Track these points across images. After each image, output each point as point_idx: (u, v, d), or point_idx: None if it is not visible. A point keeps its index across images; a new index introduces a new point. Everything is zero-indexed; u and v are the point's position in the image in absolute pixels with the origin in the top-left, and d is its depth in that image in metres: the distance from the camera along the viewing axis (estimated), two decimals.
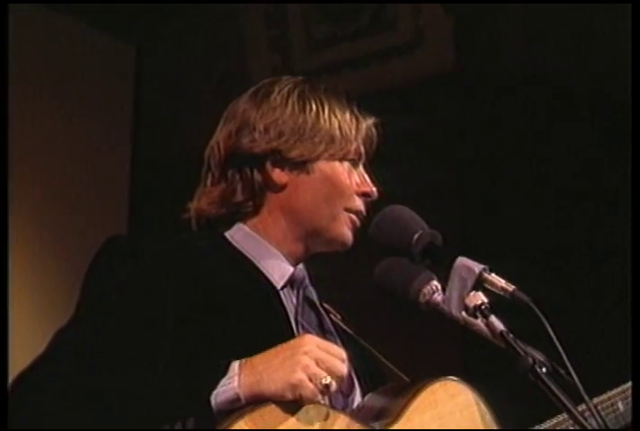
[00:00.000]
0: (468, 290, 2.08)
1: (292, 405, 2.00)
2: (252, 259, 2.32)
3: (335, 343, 2.28)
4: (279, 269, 2.33)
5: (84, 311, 2.16)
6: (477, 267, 2.08)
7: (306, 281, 2.37)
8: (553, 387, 1.95)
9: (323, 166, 2.32)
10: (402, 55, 5.06)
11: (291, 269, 2.33)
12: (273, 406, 1.98)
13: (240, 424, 1.94)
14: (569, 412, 1.95)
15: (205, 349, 2.10)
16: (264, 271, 2.31)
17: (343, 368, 2.02)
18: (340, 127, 2.32)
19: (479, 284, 2.08)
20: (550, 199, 4.57)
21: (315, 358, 1.99)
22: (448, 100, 4.84)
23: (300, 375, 1.97)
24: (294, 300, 2.33)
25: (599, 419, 1.95)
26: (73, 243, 5.01)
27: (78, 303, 2.18)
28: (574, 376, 1.97)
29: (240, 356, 2.04)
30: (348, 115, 2.36)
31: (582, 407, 1.98)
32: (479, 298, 2.08)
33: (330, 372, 1.99)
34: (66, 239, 5.10)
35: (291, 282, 2.33)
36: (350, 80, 5.01)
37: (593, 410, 1.97)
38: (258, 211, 2.34)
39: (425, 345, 4.41)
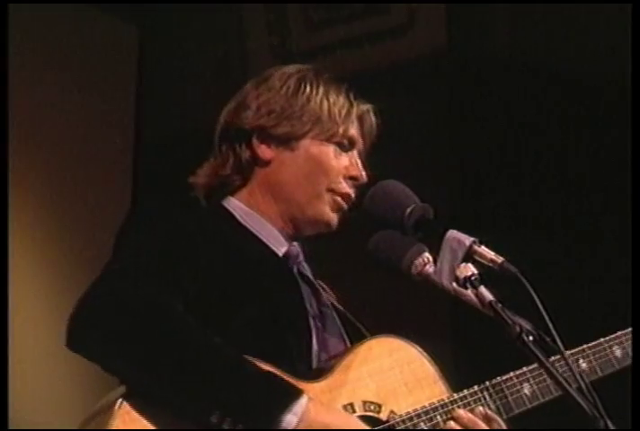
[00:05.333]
0: (459, 262, 2.12)
1: None
2: (255, 233, 2.39)
3: (331, 315, 2.39)
4: (277, 245, 2.41)
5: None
6: (468, 239, 2.13)
7: (301, 257, 2.45)
8: (539, 354, 2.02)
9: (308, 145, 2.39)
10: (395, 37, 5.09)
11: (286, 245, 2.42)
12: None
13: None
14: (553, 378, 2.03)
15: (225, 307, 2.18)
16: (267, 243, 2.39)
17: None
18: (329, 110, 2.39)
19: (469, 256, 2.12)
20: (538, 175, 4.63)
21: None
22: (440, 80, 4.89)
23: None
24: None
25: (582, 383, 2.01)
26: (75, 228, 4.91)
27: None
28: (560, 344, 2.04)
29: (255, 314, 2.16)
30: (341, 100, 2.42)
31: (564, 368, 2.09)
32: (469, 270, 2.13)
33: None
34: (69, 223, 4.98)
35: (287, 258, 2.42)
36: (344, 60, 5.06)
37: (578, 377, 2.03)
38: (245, 185, 2.43)
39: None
